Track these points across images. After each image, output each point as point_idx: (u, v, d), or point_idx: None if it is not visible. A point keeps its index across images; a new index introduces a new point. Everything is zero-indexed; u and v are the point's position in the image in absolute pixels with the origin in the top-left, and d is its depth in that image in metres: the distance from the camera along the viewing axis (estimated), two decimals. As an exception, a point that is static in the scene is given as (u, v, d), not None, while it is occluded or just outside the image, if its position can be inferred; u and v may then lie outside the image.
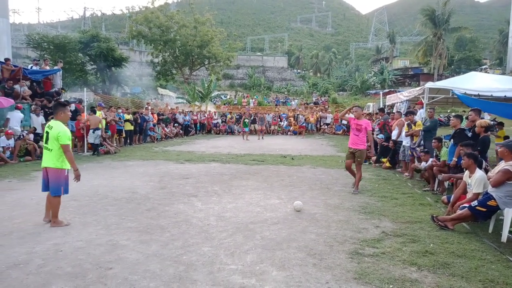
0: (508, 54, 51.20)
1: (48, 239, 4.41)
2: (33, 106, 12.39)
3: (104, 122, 13.25)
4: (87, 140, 12.59)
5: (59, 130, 4.88)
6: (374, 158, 11.11)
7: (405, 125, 9.43)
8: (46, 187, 5.02)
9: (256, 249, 4.14)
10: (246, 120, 21.62)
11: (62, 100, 12.95)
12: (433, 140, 8.00)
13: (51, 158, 4.92)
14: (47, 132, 4.96)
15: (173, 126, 20.99)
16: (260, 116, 22.36)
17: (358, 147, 7.20)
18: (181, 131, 21.57)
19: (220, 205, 6.10)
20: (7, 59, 12.72)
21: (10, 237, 4.45)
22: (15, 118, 11.06)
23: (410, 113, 9.70)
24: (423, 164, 7.92)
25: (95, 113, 12.70)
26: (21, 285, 3.24)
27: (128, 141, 15.94)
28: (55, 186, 4.92)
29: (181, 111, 23.68)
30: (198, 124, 24.22)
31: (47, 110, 12.64)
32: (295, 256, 3.93)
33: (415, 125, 9.23)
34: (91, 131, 12.29)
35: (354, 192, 7.04)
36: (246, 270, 3.58)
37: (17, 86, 12.23)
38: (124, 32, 38.87)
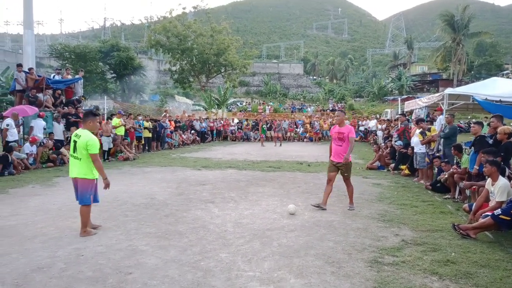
0: (530, 59, 49.95)
1: (70, 243, 4.51)
2: (55, 114, 12.74)
3: (123, 129, 13.51)
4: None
5: (87, 139, 4.79)
6: (392, 165, 10.97)
7: (418, 133, 9.22)
8: (77, 197, 4.98)
9: (273, 256, 4.13)
10: (264, 126, 21.83)
11: (92, 108, 13.29)
12: (452, 148, 7.84)
13: (80, 168, 4.85)
14: (75, 141, 4.87)
15: (190, 133, 21.21)
16: (277, 123, 22.36)
17: (341, 160, 6.22)
18: (198, 138, 21.77)
19: (237, 211, 6.12)
20: (30, 69, 13.14)
21: (33, 241, 4.57)
22: (38, 126, 11.39)
23: (421, 120, 9.57)
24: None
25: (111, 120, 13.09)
26: (44, 288, 3.32)
27: (147, 147, 16.19)
28: (83, 195, 4.87)
29: (198, 118, 23.91)
30: (214, 131, 24.40)
31: (70, 117, 12.98)
32: (313, 264, 3.90)
33: (429, 131, 9.06)
34: (104, 138, 12.59)
35: (350, 208, 6.26)
36: (264, 277, 3.58)
37: (40, 95, 12.61)
38: (143, 42, 39.64)
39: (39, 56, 46.37)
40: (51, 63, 42.31)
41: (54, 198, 6.96)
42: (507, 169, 5.54)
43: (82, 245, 4.45)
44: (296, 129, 25.99)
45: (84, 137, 4.82)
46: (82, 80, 15.52)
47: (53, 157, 11.24)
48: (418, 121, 9.50)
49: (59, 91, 13.82)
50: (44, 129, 11.71)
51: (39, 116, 11.51)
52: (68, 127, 12.78)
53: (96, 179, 5.02)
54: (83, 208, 4.86)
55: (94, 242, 4.56)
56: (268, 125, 22.57)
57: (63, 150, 11.66)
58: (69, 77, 15.32)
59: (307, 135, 24.96)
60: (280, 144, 20.80)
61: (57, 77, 14.42)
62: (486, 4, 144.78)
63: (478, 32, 48.50)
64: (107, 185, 5.05)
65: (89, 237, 4.73)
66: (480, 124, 7.39)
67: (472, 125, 7.39)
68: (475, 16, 48.73)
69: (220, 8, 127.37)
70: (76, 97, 14.51)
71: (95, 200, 5.05)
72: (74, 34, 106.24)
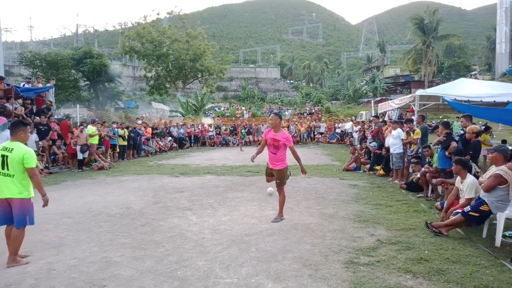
0: (496, 60, 52.17)
1: (41, 258, 4.36)
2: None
3: (97, 137, 13.20)
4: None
5: (24, 152, 4.21)
6: (368, 166, 11.17)
7: (404, 133, 9.42)
8: (5, 220, 4.27)
9: (251, 262, 4.12)
10: (243, 131, 21.97)
11: (28, 118, 12.71)
12: (424, 149, 8.06)
13: (14, 186, 4.19)
14: (4, 156, 4.19)
15: (168, 139, 20.94)
16: (255, 128, 22.35)
17: (275, 167, 5.77)
18: (175, 144, 21.52)
19: (215, 217, 6.08)
20: (1, 78, 12.70)
21: (2, 258, 4.38)
22: (3, 138, 10.88)
23: (409, 121, 9.65)
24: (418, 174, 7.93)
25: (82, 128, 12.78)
26: (13, 306, 3.19)
27: (122, 156, 15.86)
28: (21, 217, 4.22)
29: (175, 124, 23.65)
30: (192, 137, 24.19)
31: (41, 127, 12.59)
32: (291, 268, 3.92)
33: (413, 133, 9.26)
34: (78, 147, 12.27)
35: (276, 220, 5.70)
36: (242, 283, 3.56)
37: (8, 104, 12.17)
38: (117, 48, 39.02)
39: (8, 64, 44.85)
40: (21, 72, 40.97)
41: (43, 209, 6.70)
42: (473, 167, 5.74)
43: (54, 259, 4.30)
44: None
45: (18, 150, 4.21)
46: (53, 89, 15.08)
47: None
48: (407, 121, 9.64)
49: (29, 100, 13.36)
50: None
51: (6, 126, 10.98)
52: (41, 137, 12.40)
53: (33, 197, 4.38)
54: (19, 231, 4.22)
55: (66, 255, 4.42)
56: (246, 130, 22.72)
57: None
58: (40, 85, 14.88)
59: (285, 138, 25.08)
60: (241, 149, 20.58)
61: (27, 86, 13.96)
62: (453, 8, 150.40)
63: (447, 34, 50.26)
64: (46, 202, 4.45)
65: (62, 251, 4.58)
66: (446, 124, 7.60)
67: (439, 126, 7.58)
68: (443, 19, 50.56)
69: (195, 13, 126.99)
70: (45, 105, 14.06)
71: (31, 221, 4.34)
72: (45, 41, 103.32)
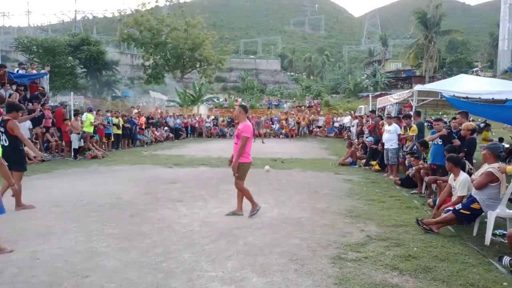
0: (498, 57, 51.96)
1: (26, 246, 4.31)
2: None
3: (91, 126, 13.12)
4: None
5: None
6: (363, 161, 11.13)
7: (402, 128, 9.37)
8: None
9: (238, 255, 4.07)
10: None
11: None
12: (419, 145, 8.00)
13: None
14: None
15: (164, 129, 20.86)
16: (257, 120, 22.04)
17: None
18: (171, 135, 21.44)
19: (206, 210, 6.03)
20: (3, 66, 12.62)
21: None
22: None
23: (407, 116, 9.59)
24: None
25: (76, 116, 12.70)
26: (-8, 296, 3.15)
27: (116, 145, 15.77)
28: None
29: (171, 114, 23.54)
30: (189, 128, 24.10)
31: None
32: (277, 262, 3.87)
33: (410, 129, 9.19)
34: (75, 136, 12.18)
35: (252, 213, 5.57)
36: (226, 277, 3.52)
37: (2, 90, 12.04)
38: (115, 35, 38.71)
39: (5, 50, 44.52)
40: (17, 57, 40.60)
41: (12, 200, 6.63)
42: (467, 164, 5.69)
43: (39, 248, 4.25)
44: (272, 126, 26.04)
45: None
46: (47, 76, 14.92)
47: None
48: (405, 117, 9.58)
49: (22, 87, 13.21)
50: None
51: None
52: (34, 124, 12.28)
53: None
54: None
55: (52, 245, 4.37)
56: None
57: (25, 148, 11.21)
58: (35, 71, 14.71)
59: (283, 131, 25.04)
60: (262, 141, 20.28)
61: (21, 72, 13.80)
62: (457, 3, 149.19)
63: (449, 30, 49.86)
64: (15, 192, 4.43)
65: (48, 240, 4.53)
66: (441, 120, 7.53)
67: (434, 123, 7.49)
68: (446, 14, 50.04)
69: (196, 2, 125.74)
70: (37, 92, 13.92)
71: (2, 210, 4.25)
72: (43, 27, 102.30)
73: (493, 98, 9.59)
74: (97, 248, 4.28)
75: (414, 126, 9.08)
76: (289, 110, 31.46)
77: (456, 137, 7.02)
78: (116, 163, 11.58)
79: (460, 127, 7.03)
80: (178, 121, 22.70)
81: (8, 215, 5.57)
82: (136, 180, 8.65)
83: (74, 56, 30.10)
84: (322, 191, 7.60)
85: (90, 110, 13.97)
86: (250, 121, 17.40)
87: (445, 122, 10.28)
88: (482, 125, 22.27)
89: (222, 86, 57.95)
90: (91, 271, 3.64)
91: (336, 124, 24.94)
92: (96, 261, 3.90)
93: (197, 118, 25.44)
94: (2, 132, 5.75)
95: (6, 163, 4.92)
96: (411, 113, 10.24)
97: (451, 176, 5.38)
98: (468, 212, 4.62)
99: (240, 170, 5.46)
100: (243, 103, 5.57)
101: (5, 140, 5.71)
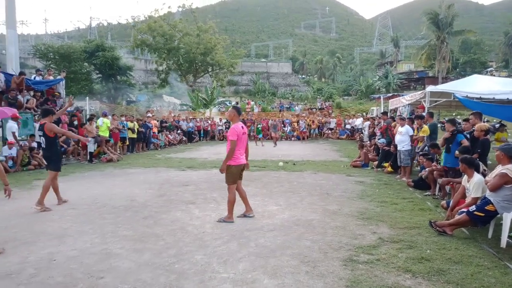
0: (513, 56, 50.84)
1: (43, 248, 4.42)
2: (37, 115, 12.51)
3: (107, 130, 13.37)
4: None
5: None
6: (376, 163, 11.04)
7: (415, 130, 9.27)
8: None
9: (249, 257, 4.10)
10: (259, 126, 21.79)
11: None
12: (431, 147, 7.91)
13: None
14: None
15: (177, 133, 21.07)
16: (273, 123, 21.40)
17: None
18: (184, 138, 21.64)
19: (217, 212, 6.06)
20: (22, 73, 13.02)
21: (5, 247, 4.45)
22: (8, 129, 11.02)
23: (419, 117, 9.47)
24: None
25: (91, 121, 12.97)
26: (11, 295, 3.25)
27: (131, 149, 16.02)
28: None
29: (184, 118, 23.77)
30: (202, 131, 24.27)
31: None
32: (288, 264, 3.88)
33: (421, 130, 9.09)
34: (91, 139, 12.42)
35: (219, 220, 5.51)
36: (238, 279, 3.55)
37: (19, 96, 12.37)
38: (129, 41, 39.31)
39: (23, 57, 45.60)
40: (35, 64, 41.57)
41: (32, 202, 6.76)
42: (481, 165, 5.60)
43: (55, 250, 4.36)
44: (283, 128, 26.02)
45: None
46: (63, 81, 15.26)
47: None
48: (416, 118, 9.47)
49: (39, 93, 13.55)
50: (18, 130, 11.34)
51: (12, 118, 11.06)
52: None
53: None
54: None
55: (68, 246, 4.47)
56: (261, 126, 22.49)
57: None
58: (51, 78, 15.07)
59: (295, 133, 25.00)
60: (275, 144, 19.82)
61: (38, 78, 14.15)
62: (470, 3, 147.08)
63: (462, 30, 49.15)
64: (9, 193, 4.56)
65: (64, 241, 4.64)
66: (452, 121, 7.44)
67: (445, 124, 7.41)
68: (459, 14, 49.36)
69: (208, 7, 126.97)
70: (50, 95, 14.28)
71: None
72: (59, 34, 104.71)
73: (507, 98, 9.43)
74: (111, 249, 4.36)
75: (425, 127, 8.97)
76: (300, 113, 31.40)
77: (464, 137, 6.89)
78: (130, 166, 11.75)
79: (473, 129, 6.92)
80: (191, 124, 22.90)
81: (25, 218, 5.76)
82: (150, 183, 8.76)
83: (90, 62, 30.70)
84: (334, 193, 7.57)
85: (105, 115, 14.23)
86: (261, 123, 17.05)
87: (459, 123, 10.13)
88: (497, 125, 21.90)
89: (234, 90, 58.23)
90: (105, 272, 3.71)
91: (348, 126, 24.78)
92: (110, 262, 3.98)
93: (209, 122, 25.61)
94: (40, 136, 6.48)
95: (46, 163, 6.58)
96: (424, 114, 10.13)
97: (465, 177, 5.31)
98: (483, 214, 4.55)
99: (227, 173, 5.41)
100: (236, 105, 5.39)
101: (43, 142, 6.42)
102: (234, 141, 5.30)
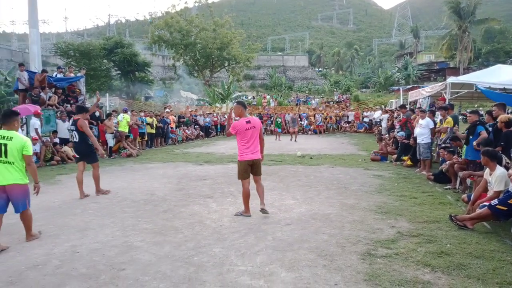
0: (540, 45, 48.93)
1: (66, 241, 4.57)
2: (59, 112, 12.86)
3: (127, 126, 13.64)
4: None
5: (24, 141, 4.48)
6: (394, 156, 10.89)
7: (438, 121, 9.09)
8: (3, 208, 4.46)
9: (266, 250, 4.13)
10: (279, 120, 21.71)
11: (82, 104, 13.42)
12: (452, 140, 7.73)
13: (14, 173, 4.40)
14: (4, 144, 4.37)
15: (194, 128, 21.26)
16: (292, 117, 20.44)
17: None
18: (202, 133, 21.82)
19: (235, 206, 6.12)
20: (44, 71, 13.40)
21: (30, 239, 4.63)
22: (31, 125, 11.36)
23: (443, 108, 9.19)
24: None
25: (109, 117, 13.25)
26: (38, 286, 3.37)
27: (150, 144, 16.28)
28: (22, 201, 4.52)
29: (201, 113, 23.95)
30: (218, 126, 24.42)
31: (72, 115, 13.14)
32: (306, 257, 3.90)
33: (445, 121, 8.88)
34: (109, 135, 12.69)
35: (237, 214, 5.60)
36: (255, 271, 3.59)
37: (42, 94, 12.72)
38: (147, 38, 39.71)
39: (45, 55, 46.68)
40: (56, 62, 42.52)
41: (55, 196, 7.04)
42: (504, 158, 5.45)
43: (78, 242, 4.50)
44: (300, 122, 25.89)
45: (17, 138, 4.43)
46: (84, 78, 15.60)
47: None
48: (440, 109, 9.25)
49: (60, 90, 13.92)
50: (41, 127, 11.68)
51: (34, 115, 11.39)
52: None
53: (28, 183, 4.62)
54: (26, 213, 4.58)
55: (90, 239, 4.61)
56: (280, 120, 22.35)
57: (65, 148, 11.86)
58: (72, 75, 15.42)
59: (311, 127, 24.86)
60: (295, 140, 19.01)
61: (59, 76, 14.51)
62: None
63: (485, 18, 47.53)
64: (38, 190, 4.75)
65: (86, 234, 4.78)
66: (476, 113, 7.25)
67: (468, 115, 7.24)
68: (482, 2, 47.71)
69: (224, 1, 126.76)
70: (76, 95, 14.63)
71: (29, 204, 4.66)
72: (79, 32, 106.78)
73: (533, 89, 9.11)
74: (132, 242, 4.47)
75: (449, 118, 8.74)
76: (317, 106, 31.16)
77: (484, 129, 6.71)
78: (149, 161, 11.96)
79: (495, 121, 6.72)
80: (208, 119, 23.06)
81: (50, 211, 5.96)
82: (169, 177, 8.91)
83: (109, 59, 31.17)
84: (352, 187, 7.51)
85: (125, 111, 14.50)
86: (281, 117, 16.86)
87: (481, 115, 9.84)
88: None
89: (250, 84, 58.12)
90: (126, 264, 3.82)
91: (366, 119, 24.45)
92: (131, 254, 4.08)
93: (226, 116, 25.70)
94: (73, 130, 6.91)
95: (78, 156, 7.17)
96: (448, 105, 9.89)
97: (487, 170, 5.18)
98: (505, 208, 4.44)
99: (237, 168, 5.56)
100: (240, 99, 5.31)
101: (76, 137, 6.90)
102: (230, 132, 5.50)
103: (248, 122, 5.40)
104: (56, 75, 14.46)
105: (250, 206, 5.58)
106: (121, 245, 4.39)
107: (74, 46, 29.83)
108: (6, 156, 4.36)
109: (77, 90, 14.83)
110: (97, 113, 13.83)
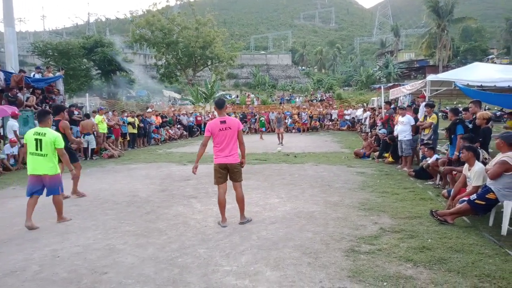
0: (515, 43, 50.43)
1: (47, 245, 4.46)
2: (37, 113, 12.53)
3: (105, 126, 13.35)
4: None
5: (56, 136, 5.25)
6: (377, 153, 11.04)
7: (422, 117, 9.21)
8: (36, 192, 5.22)
9: (251, 250, 4.13)
10: (262, 119, 21.69)
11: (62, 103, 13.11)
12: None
13: (47, 165, 5.16)
14: (39, 139, 5.14)
15: (177, 127, 21.06)
16: (277, 117, 18.08)
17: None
18: (185, 133, 21.64)
19: (219, 206, 6.08)
20: (22, 71, 13.01)
21: (9, 244, 4.50)
22: (9, 127, 11.02)
23: (429, 105, 9.28)
24: (430, 160, 7.79)
25: (89, 118, 12.84)
26: (16, 292, 3.28)
27: (132, 144, 16.04)
28: (55, 188, 5.26)
29: (184, 112, 23.75)
30: (202, 125, 24.25)
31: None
32: (290, 256, 3.91)
33: (430, 117, 9.00)
34: (82, 136, 12.38)
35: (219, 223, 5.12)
36: (240, 271, 3.58)
37: (19, 94, 12.36)
38: (127, 36, 39.06)
39: (23, 54, 45.42)
40: (34, 61, 41.46)
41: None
42: (481, 153, 5.59)
43: (59, 246, 4.40)
44: (284, 120, 25.98)
45: (50, 134, 5.20)
46: (62, 78, 15.24)
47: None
48: (427, 105, 9.37)
49: (39, 91, 13.55)
50: (19, 129, 11.35)
51: (12, 116, 11.04)
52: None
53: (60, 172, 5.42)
54: (58, 198, 5.31)
55: (71, 243, 4.51)
56: (263, 119, 22.35)
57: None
58: (50, 75, 15.05)
59: (295, 126, 24.97)
60: (281, 142, 16.39)
61: (37, 76, 14.14)
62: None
63: (463, 17, 48.70)
64: (74, 176, 5.94)
65: (67, 238, 4.68)
66: (455, 110, 7.41)
67: (448, 113, 7.39)
68: (459, 1, 48.86)
69: (206, 0, 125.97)
70: (53, 94, 14.27)
71: (62, 189, 5.46)
72: (58, 30, 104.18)
73: (509, 86, 9.34)
74: (114, 245, 4.40)
75: (434, 115, 8.89)
76: (301, 105, 31.32)
77: (463, 130, 6.84)
78: (132, 161, 11.78)
79: (474, 117, 6.89)
80: (191, 118, 22.89)
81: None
82: (152, 178, 8.80)
83: (89, 58, 30.58)
84: (335, 184, 7.58)
85: (99, 110, 14.04)
86: (264, 116, 16.59)
87: (460, 112, 10.07)
88: (498, 113, 21.83)
89: (234, 83, 58.03)
90: (109, 268, 3.75)
91: (347, 117, 24.71)
92: (114, 257, 4.01)
93: (210, 115, 25.58)
94: None
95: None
96: (432, 101, 10.04)
97: (466, 166, 5.31)
98: (484, 202, 4.56)
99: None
100: (221, 98, 4.89)
101: None
102: (205, 136, 5.13)
103: (223, 122, 4.96)
104: (34, 75, 14.08)
105: (233, 205, 5.44)
106: (103, 248, 4.31)
107: (52, 45, 29.15)
108: (41, 150, 5.12)
109: (56, 90, 14.47)
110: (76, 112, 13.54)
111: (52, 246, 4.42)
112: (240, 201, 5.12)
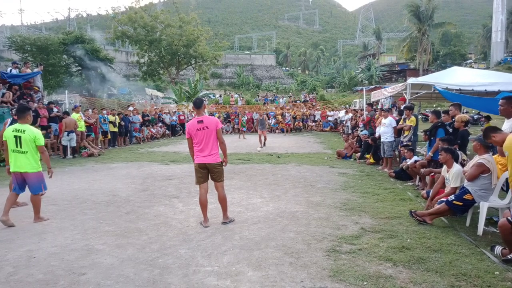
0: (491, 48, 52.00)
1: (22, 245, 4.32)
2: (14, 110, 12.14)
3: (83, 124, 13.07)
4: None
5: (36, 132, 5.19)
6: (358, 154, 11.18)
7: (402, 120, 9.38)
8: (20, 189, 5.24)
9: (234, 250, 4.11)
10: (244, 119, 21.87)
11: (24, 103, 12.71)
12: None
13: (28, 162, 5.11)
14: (18, 137, 5.06)
15: (160, 126, 20.81)
16: (259, 118, 16.36)
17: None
18: (168, 132, 21.40)
19: (201, 205, 6.03)
20: None
21: (-18, 245, 4.34)
22: None
23: (408, 108, 9.42)
24: (409, 162, 7.93)
25: (69, 115, 12.53)
26: (-12, 295, 3.17)
27: (113, 143, 15.75)
28: (37, 185, 5.20)
29: (167, 111, 23.50)
30: (185, 124, 24.04)
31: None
32: (272, 256, 3.91)
33: (408, 120, 9.17)
34: (65, 133, 12.07)
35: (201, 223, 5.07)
36: (222, 271, 3.55)
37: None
38: (108, 33, 38.28)
39: (-2, 49, 44.06)
40: (11, 56, 40.20)
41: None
42: (460, 155, 5.73)
43: (35, 247, 4.27)
44: (268, 121, 26.03)
45: (29, 131, 5.11)
46: (41, 74, 14.82)
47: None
48: (406, 108, 9.53)
49: (16, 87, 13.14)
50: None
51: None
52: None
53: (42, 170, 5.32)
54: (36, 197, 5.22)
55: (48, 243, 4.38)
56: (245, 119, 22.52)
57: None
58: (28, 71, 14.61)
59: (279, 126, 25.06)
60: (264, 144, 15.53)
61: (14, 71, 13.71)
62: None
63: (443, 22, 49.93)
64: (51, 174, 5.46)
65: (44, 238, 4.56)
66: (436, 113, 7.58)
67: (429, 116, 7.56)
68: (439, 7, 50.10)
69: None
70: (32, 91, 13.84)
71: (45, 187, 5.36)
72: (37, 25, 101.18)
73: (485, 90, 9.64)
74: (93, 245, 4.30)
75: (413, 117, 9.07)
76: (284, 105, 31.45)
77: (444, 133, 7.01)
78: (112, 160, 11.56)
79: (453, 120, 7.06)
80: (174, 117, 22.66)
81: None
82: (133, 177, 8.66)
83: (69, 54, 29.84)
84: (317, 184, 7.64)
85: (74, 108, 13.68)
86: (246, 116, 16.59)
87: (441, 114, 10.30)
88: (476, 117, 22.46)
89: (218, 82, 57.74)
90: (87, 269, 3.66)
91: (330, 118, 24.97)
92: (92, 258, 3.92)
93: (193, 115, 25.38)
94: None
95: None
96: (412, 104, 10.22)
97: (444, 167, 5.43)
98: (461, 203, 4.67)
99: None
100: (200, 98, 4.63)
101: None
102: (187, 139, 5.12)
103: (200, 122, 4.89)
104: (10, 71, 13.64)
105: (216, 205, 5.45)
106: (82, 248, 4.21)
107: (30, 40, 28.26)
108: (21, 147, 5.05)
109: (35, 87, 14.06)
110: (55, 109, 13.21)
111: (28, 246, 4.29)
112: (222, 201, 5.09)
